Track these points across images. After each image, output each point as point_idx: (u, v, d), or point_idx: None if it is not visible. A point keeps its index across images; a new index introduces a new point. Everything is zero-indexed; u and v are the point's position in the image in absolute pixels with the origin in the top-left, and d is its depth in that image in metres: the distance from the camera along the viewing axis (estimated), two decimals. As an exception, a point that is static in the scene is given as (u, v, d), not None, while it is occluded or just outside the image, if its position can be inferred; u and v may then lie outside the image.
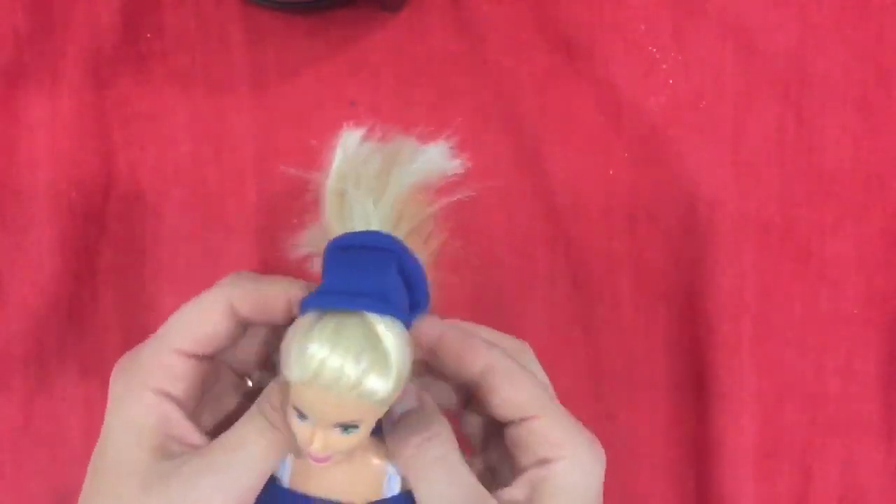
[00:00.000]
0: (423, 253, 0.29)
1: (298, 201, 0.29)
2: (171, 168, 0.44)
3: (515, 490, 0.30)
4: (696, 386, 0.44)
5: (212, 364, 0.31)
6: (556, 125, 0.44)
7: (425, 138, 0.29)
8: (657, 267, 0.44)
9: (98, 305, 0.44)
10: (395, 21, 0.44)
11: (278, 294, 0.29)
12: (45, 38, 0.44)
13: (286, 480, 0.30)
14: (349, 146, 0.29)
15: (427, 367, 0.31)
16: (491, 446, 0.33)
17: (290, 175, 0.29)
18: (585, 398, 0.44)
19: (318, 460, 0.28)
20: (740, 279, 0.43)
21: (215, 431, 0.30)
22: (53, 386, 0.44)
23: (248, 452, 0.28)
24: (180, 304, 0.33)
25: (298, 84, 0.44)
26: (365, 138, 0.29)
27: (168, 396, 0.29)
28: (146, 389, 0.29)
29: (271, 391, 0.29)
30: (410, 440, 0.29)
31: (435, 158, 0.29)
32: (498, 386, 0.30)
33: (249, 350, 0.32)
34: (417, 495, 0.29)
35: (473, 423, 0.33)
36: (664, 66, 0.44)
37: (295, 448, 0.29)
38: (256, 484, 0.29)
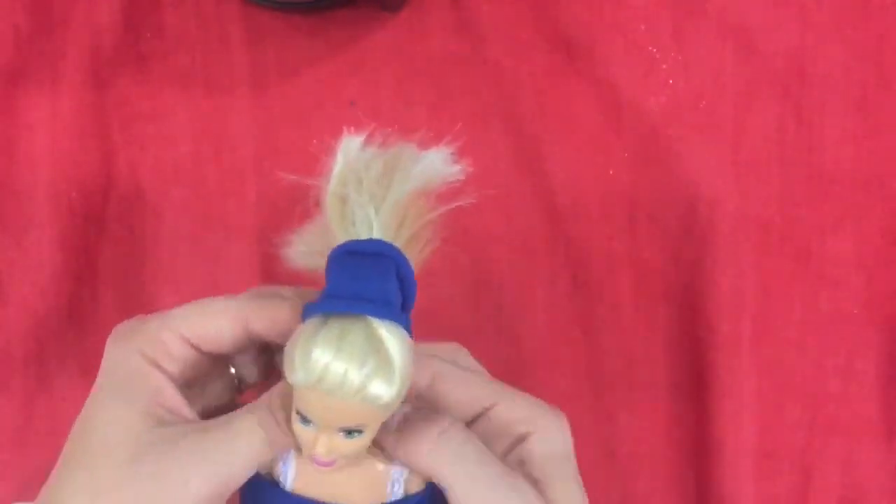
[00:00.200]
0: (419, 257, 0.29)
1: (298, 205, 0.29)
2: (171, 168, 0.44)
3: None
4: (696, 386, 0.44)
5: (211, 360, 0.31)
6: (556, 125, 0.44)
7: (426, 143, 0.29)
8: (657, 267, 0.44)
9: (98, 305, 0.44)
10: (395, 21, 0.44)
11: (294, 318, 0.29)
12: (45, 37, 0.44)
13: (289, 484, 0.30)
14: (350, 151, 0.29)
15: None
16: None
17: (290, 180, 0.29)
18: (585, 398, 0.44)
19: (321, 465, 0.28)
20: (740, 279, 0.43)
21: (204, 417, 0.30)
22: (53, 386, 0.44)
23: (240, 447, 0.28)
24: (180, 304, 0.33)
25: (298, 84, 0.44)
26: (365, 143, 0.29)
27: (163, 370, 0.29)
28: (143, 358, 0.29)
29: (274, 392, 0.29)
30: (426, 435, 0.29)
31: (435, 164, 0.29)
32: (450, 390, 0.31)
33: (250, 355, 0.33)
34: (448, 485, 0.29)
35: None
36: (664, 66, 0.44)
37: (296, 447, 0.29)
38: (241, 479, 0.29)
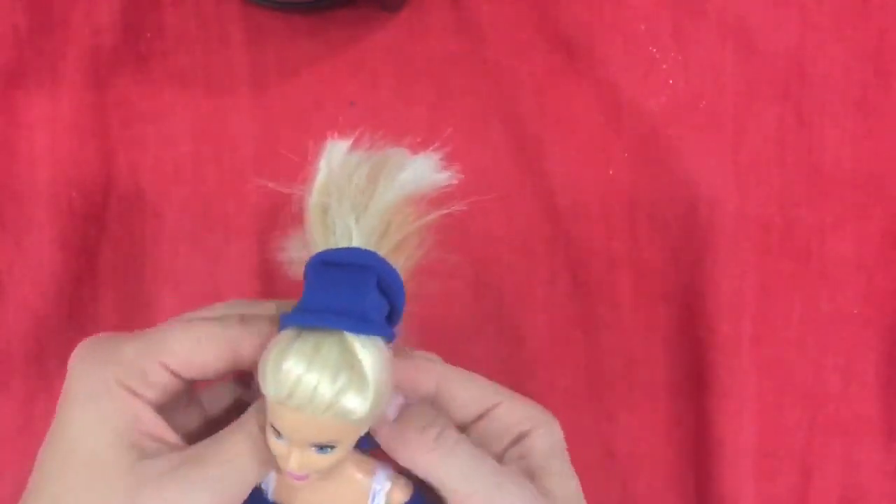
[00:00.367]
0: (406, 265, 0.29)
1: (296, 207, 0.29)
2: (171, 168, 0.44)
3: None
4: (696, 386, 0.44)
5: (188, 383, 0.30)
6: (556, 125, 0.44)
7: (416, 148, 0.29)
8: (657, 267, 0.44)
9: (98, 305, 0.44)
10: (395, 21, 0.44)
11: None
12: (45, 37, 0.44)
13: (270, 493, 0.30)
14: (334, 159, 0.28)
15: None
16: None
17: (272, 188, 0.29)
18: (585, 398, 0.44)
19: (295, 479, 0.28)
20: (740, 279, 0.43)
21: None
22: (53, 386, 0.44)
23: (241, 466, 0.28)
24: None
25: (298, 84, 0.44)
26: (351, 149, 0.29)
27: (139, 396, 0.29)
28: (121, 387, 0.28)
29: (259, 407, 0.29)
30: (426, 436, 0.29)
31: (423, 170, 0.29)
32: (457, 391, 0.31)
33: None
34: (444, 485, 0.29)
35: None
36: (664, 66, 0.44)
37: (276, 464, 0.28)
38: (244, 497, 0.29)
